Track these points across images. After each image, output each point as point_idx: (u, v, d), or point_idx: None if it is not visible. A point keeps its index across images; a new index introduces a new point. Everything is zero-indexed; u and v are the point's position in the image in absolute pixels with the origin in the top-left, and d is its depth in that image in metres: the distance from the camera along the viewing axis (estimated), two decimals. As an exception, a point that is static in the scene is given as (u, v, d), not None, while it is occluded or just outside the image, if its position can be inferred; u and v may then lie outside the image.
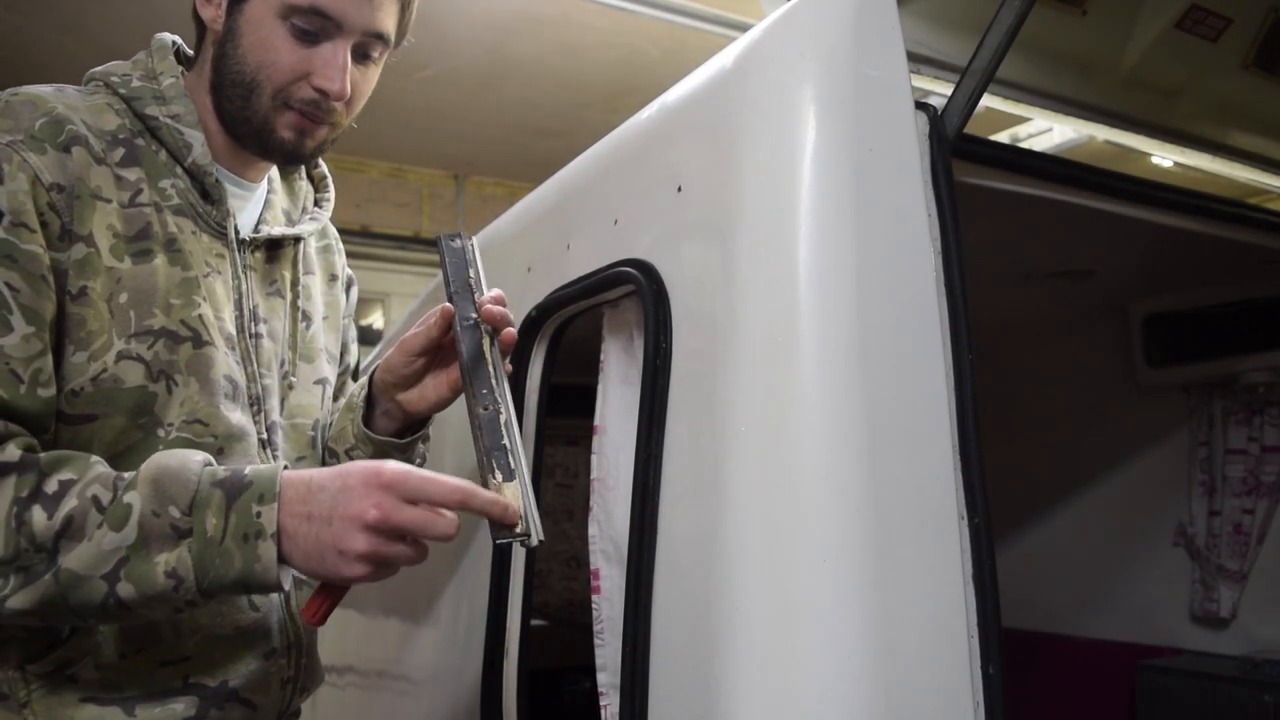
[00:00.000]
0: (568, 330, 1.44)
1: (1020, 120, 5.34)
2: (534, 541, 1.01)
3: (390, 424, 1.28)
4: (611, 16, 4.71)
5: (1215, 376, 2.20)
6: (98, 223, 1.07)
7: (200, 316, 1.13)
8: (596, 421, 1.28)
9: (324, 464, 1.31)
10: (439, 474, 0.97)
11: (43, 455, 0.99)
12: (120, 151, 1.12)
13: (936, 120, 1.03)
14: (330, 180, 1.41)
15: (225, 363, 1.15)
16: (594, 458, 1.29)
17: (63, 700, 1.06)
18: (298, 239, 1.30)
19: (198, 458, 0.99)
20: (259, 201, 1.28)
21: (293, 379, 1.27)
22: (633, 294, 1.18)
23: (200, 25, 1.20)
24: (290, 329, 1.28)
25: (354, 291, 1.48)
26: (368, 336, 7.55)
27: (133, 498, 0.95)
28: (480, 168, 7.42)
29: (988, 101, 1.26)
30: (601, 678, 1.25)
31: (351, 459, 1.29)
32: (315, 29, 1.13)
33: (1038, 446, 2.52)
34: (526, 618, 1.39)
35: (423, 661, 1.72)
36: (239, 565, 0.96)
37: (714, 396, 0.99)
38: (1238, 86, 1.55)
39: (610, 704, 1.23)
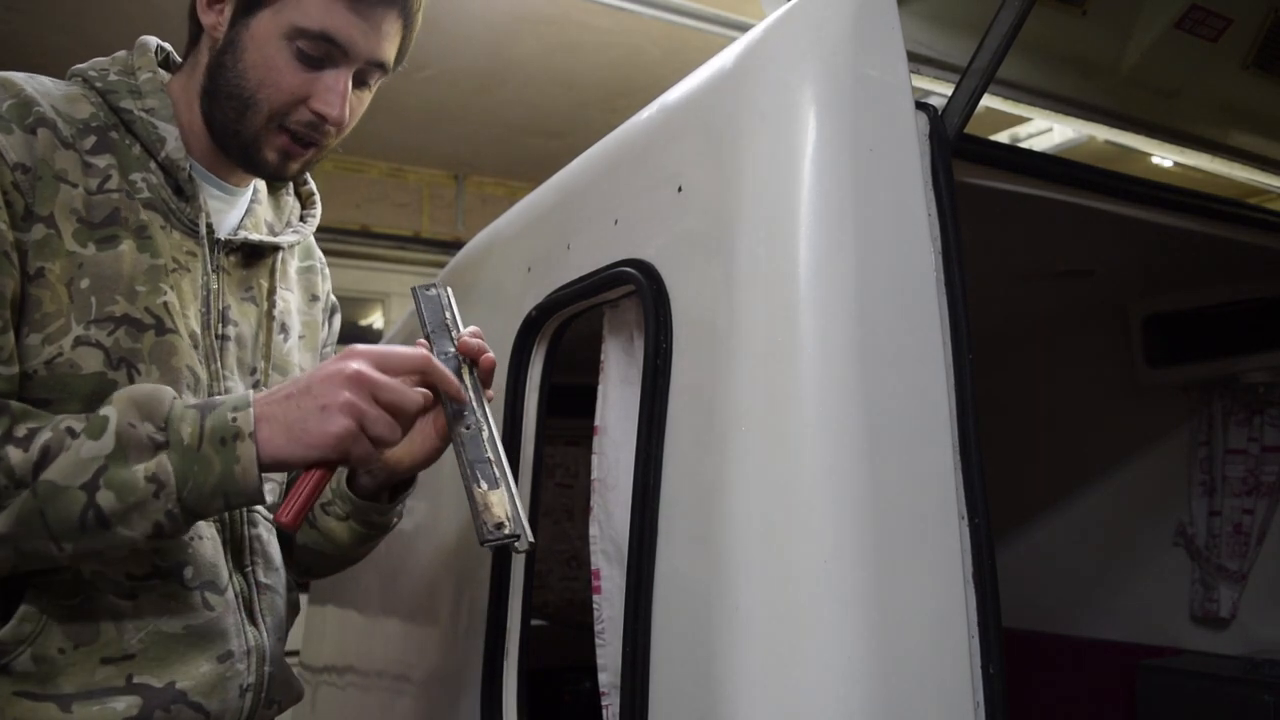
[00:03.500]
0: (568, 330, 1.44)
1: (1020, 120, 5.33)
2: (524, 545, 1.01)
3: (371, 482, 1.25)
4: (611, 16, 4.70)
5: (1215, 376, 2.20)
6: (60, 205, 1.06)
7: (165, 304, 1.12)
8: (596, 421, 1.28)
9: None
10: (408, 348, 1.06)
11: (13, 403, 0.99)
12: (91, 139, 1.11)
13: (936, 120, 1.03)
14: (318, 198, 1.40)
15: (188, 354, 1.14)
16: (594, 458, 1.29)
17: None
18: (276, 248, 1.28)
19: (169, 389, 1.01)
20: (241, 208, 1.27)
21: (265, 389, 1.24)
22: (633, 294, 1.18)
23: (196, 27, 1.19)
24: (265, 338, 1.26)
25: (337, 320, 1.46)
26: (367, 337, 7.54)
27: (109, 410, 0.97)
28: (480, 168, 7.41)
29: (988, 101, 1.26)
30: (602, 678, 1.25)
31: (328, 514, 1.28)
32: (321, 54, 1.13)
33: (1038, 446, 2.52)
34: (526, 618, 1.39)
35: (423, 661, 1.72)
36: (218, 469, 0.97)
37: (714, 396, 0.99)
38: (1238, 86, 1.55)
39: (610, 704, 1.23)
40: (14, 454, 0.94)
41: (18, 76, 1.10)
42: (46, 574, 1.04)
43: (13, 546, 0.96)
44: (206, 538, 1.15)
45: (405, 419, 1.04)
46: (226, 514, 1.19)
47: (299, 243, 1.34)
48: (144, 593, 1.09)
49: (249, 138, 1.16)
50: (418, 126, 6.35)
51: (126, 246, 1.10)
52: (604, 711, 1.23)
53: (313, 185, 1.40)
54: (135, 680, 1.08)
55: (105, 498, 0.95)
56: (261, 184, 1.32)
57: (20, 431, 0.96)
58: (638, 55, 5.28)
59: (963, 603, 0.91)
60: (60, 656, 1.04)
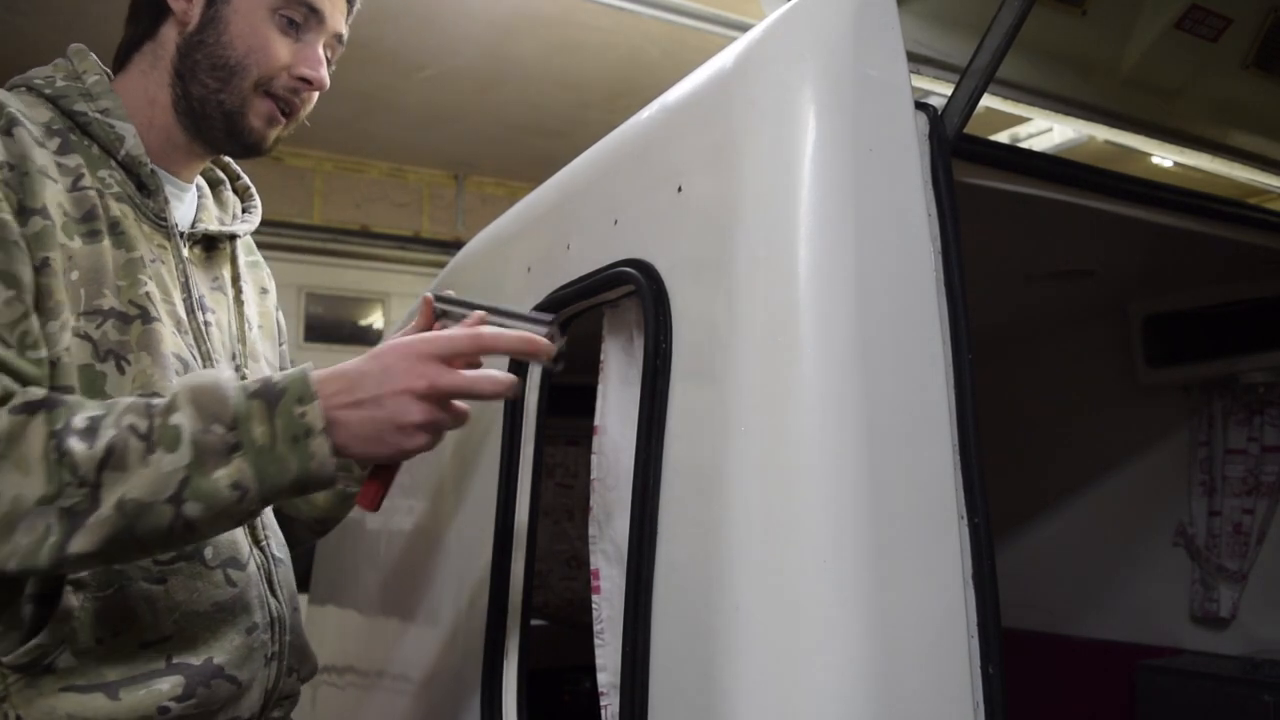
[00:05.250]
0: (568, 330, 1.44)
1: (1020, 120, 5.34)
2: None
3: None
4: (612, 16, 4.70)
5: (1215, 376, 2.20)
6: (49, 198, 1.08)
7: (147, 294, 1.14)
8: (596, 421, 1.28)
9: None
10: (457, 330, 1.05)
11: (68, 397, 0.99)
12: (56, 140, 1.13)
13: (936, 120, 1.03)
14: (254, 190, 1.45)
15: (174, 341, 1.16)
16: (594, 458, 1.29)
17: (42, 691, 1.04)
18: (233, 237, 1.34)
19: (225, 374, 1.01)
20: (192, 203, 1.31)
21: (245, 371, 1.28)
22: (633, 294, 1.18)
23: (150, 24, 1.23)
24: (237, 324, 1.31)
25: (281, 315, 1.51)
26: (367, 337, 7.54)
27: (179, 418, 0.95)
28: (480, 168, 7.42)
29: (988, 101, 1.26)
30: (601, 678, 1.25)
31: None
32: (301, 20, 1.21)
33: (1037, 446, 2.52)
34: (526, 618, 1.39)
35: (423, 661, 1.72)
36: (295, 468, 0.97)
37: (714, 396, 0.99)
38: (1238, 86, 1.55)
39: (610, 704, 1.23)
40: (78, 448, 0.93)
41: None
42: (81, 572, 1.06)
43: (103, 560, 0.97)
44: None
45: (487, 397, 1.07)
46: None
47: (251, 231, 1.40)
48: (172, 576, 1.12)
49: (234, 106, 1.21)
50: (418, 126, 6.36)
51: (106, 242, 1.12)
52: (603, 711, 1.23)
53: (247, 180, 1.45)
54: (175, 660, 1.11)
55: (192, 509, 0.95)
56: (203, 183, 1.36)
57: (80, 422, 0.95)
58: (638, 55, 5.28)
59: (963, 603, 0.91)
60: (100, 646, 1.07)
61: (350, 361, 1.03)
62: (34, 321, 1.03)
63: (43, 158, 1.09)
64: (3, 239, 1.02)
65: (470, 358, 1.04)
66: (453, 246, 6.78)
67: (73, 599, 1.05)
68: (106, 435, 0.94)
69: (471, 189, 7.65)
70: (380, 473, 1.10)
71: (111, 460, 0.93)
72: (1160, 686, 2.09)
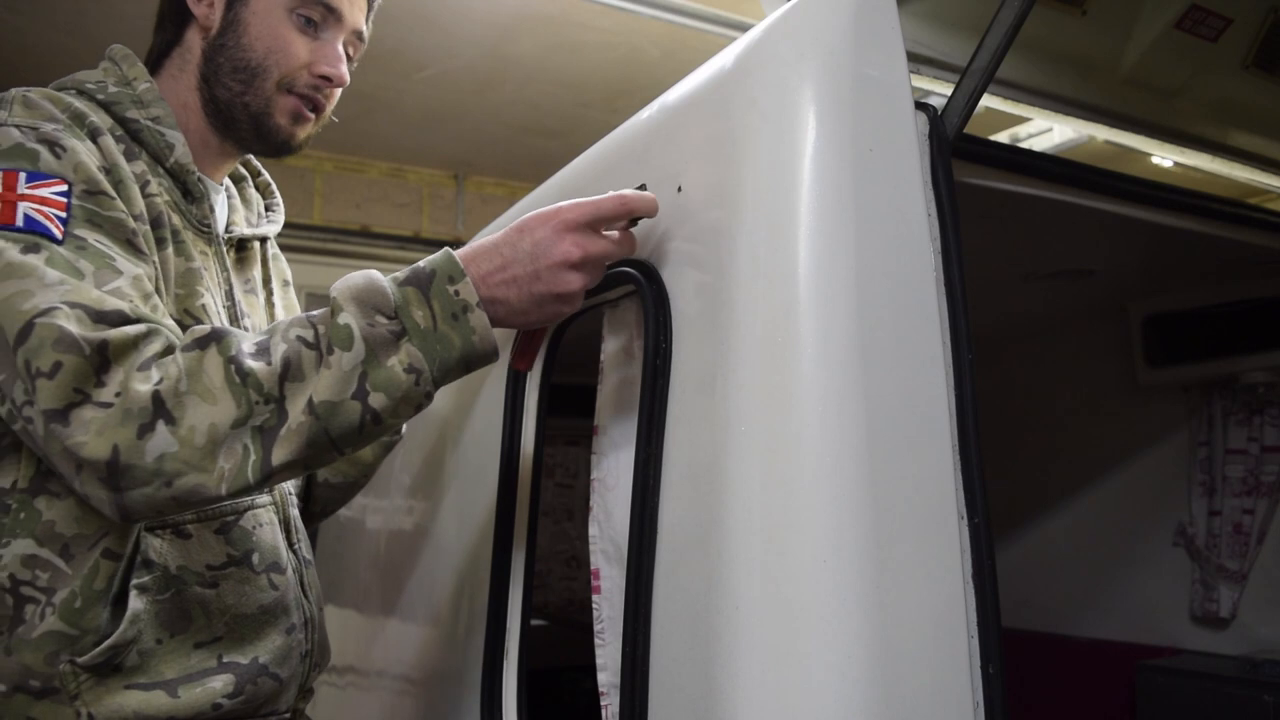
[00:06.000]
0: (568, 330, 1.44)
1: (1020, 120, 5.33)
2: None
3: None
4: (611, 16, 4.70)
5: (1215, 376, 2.20)
6: (140, 203, 1.12)
7: (203, 306, 1.18)
8: (596, 421, 1.28)
9: None
10: (592, 197, 1.06)
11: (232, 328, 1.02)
12: (122, 147, 1.16)
13: (936, 120, 1.03)
14: (275, 187, 1.48)
15: None
16: (594, 458, 1.29)
17: (109, 689, 1.08)
18: (264, 239, 1.38)
19: (371, 271, 1.04)
20: (223, 204, 1.33)
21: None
22: (633, 294, 1.18)
23: (175, 31, 1.26)
24: (269, 325, 1.33)
25: (297, 303, 1.55)
26: (368, 336, 7.51)
27: (346, 317, 0.99)
28: (480, 168, 7.41)
29: (988, 101, 1.26)
30: (601, 678, 1.25)
31: None
32: (318, 19, 1.23)
33: (1038, 446, 2.52)
34: (526, 618, 1.39)
35: (423, 661, 1.72)
36: (459, 344, 1.01)
37: (714, 396, 0.99)
38: (1238, 86, 1.55)
39: (610, 704, 1.23)
40: (257, 366, 0.96)
41: (45, 91, 1.13)
42: (143, 577, 1.11)
43: (304, 468, 1.00)
44: (265, 524, 1.24)
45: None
46: (279, 497, 1.28)
47: (278, 231, 1.43)
48: (223, 581, 1.17)
49: (259, 106, 1.24)
50: (418, 126, 6.35)
51: (170, 250, 1.16)
52: (604, 711, 1.23)
53: (268, 176, 1.48)
54: (225, 659, 1.17)
55: (377, 399, 0.98)
56: (229, 183, 1.38)
57: (249, 346, 0.98)
58: (638, 55, 5.28)
59: (963, 603, 0.91)
60: (159, 647, 1.12)
61: (495, 236, 1.06)
62: (159, 299, 1.07)
63: (125, 164, 1.12)
64: (120, 234, 1.06)
65: (616, 221, 1.07)
66: (453, 246, 6.78)
67: (138, 602, 1.10)
68: (280, 350, 0.98)
69: (471, 189, 7.65)
70: (534, 335, 1.17)
71: (290, 372, 0.97)
72: (1160, 686, 2.09)
